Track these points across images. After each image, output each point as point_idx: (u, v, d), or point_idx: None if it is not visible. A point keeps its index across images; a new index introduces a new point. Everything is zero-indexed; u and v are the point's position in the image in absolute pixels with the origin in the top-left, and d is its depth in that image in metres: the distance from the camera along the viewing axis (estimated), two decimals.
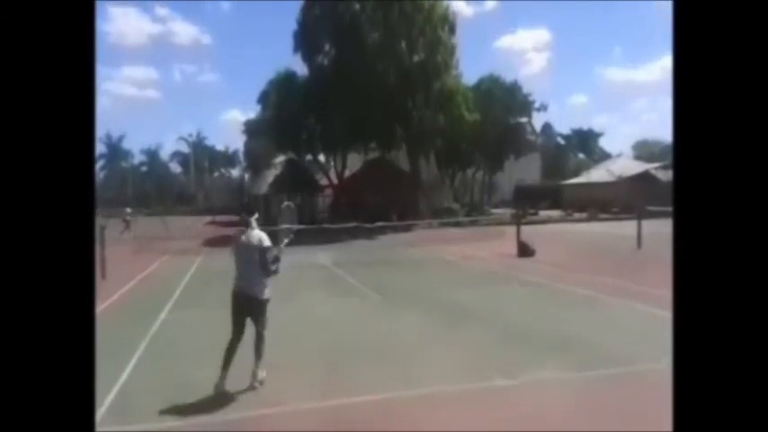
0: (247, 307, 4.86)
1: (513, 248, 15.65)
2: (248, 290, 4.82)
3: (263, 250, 4.81)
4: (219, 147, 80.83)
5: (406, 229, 25.90)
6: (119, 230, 24.54)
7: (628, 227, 18.60)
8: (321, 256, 16.45)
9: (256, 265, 4.78)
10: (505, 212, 35.01)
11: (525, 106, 41.59)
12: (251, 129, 46.27)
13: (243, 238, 4.91)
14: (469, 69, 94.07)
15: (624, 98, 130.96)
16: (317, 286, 11.24)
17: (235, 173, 74.24)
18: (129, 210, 30.09)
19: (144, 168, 76.40)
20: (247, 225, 4.97)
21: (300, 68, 31.40)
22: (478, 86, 38.49)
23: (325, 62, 29.84)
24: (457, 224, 28.12)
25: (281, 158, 39.10)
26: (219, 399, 4.78)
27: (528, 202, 38.55)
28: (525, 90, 41.49)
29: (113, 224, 19.40)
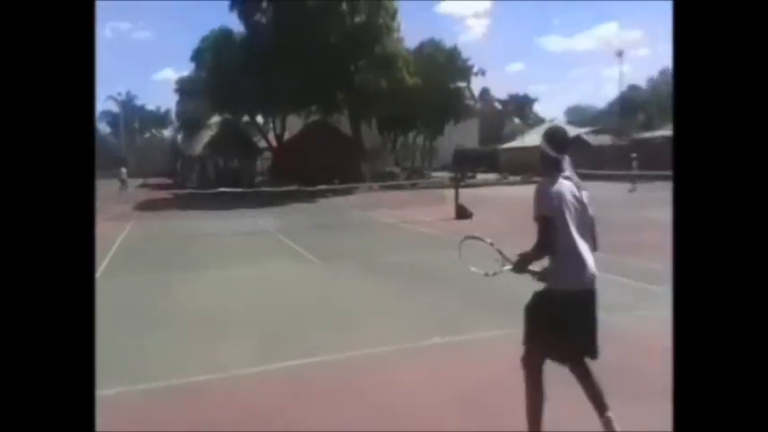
0: (591, 306, 2.96)
1: (451, 212, 15.97)
2: (593, 278, 2.95)
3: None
4: (151, 107, 77.26)
5: (348, 192, 25.85)
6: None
7: None
8: (262, 220, 16.25)
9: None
10: (445, 176, 35.55)
11: (464, 72, 41.85)
12: (184, 88, 44.14)
13: (570, 191, 2.91)
14: (410, 34, 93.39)
15: (562, 67, 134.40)
16: (260, 252, 11.13)
17: (167, 133, 71.08)
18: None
19: None
20: (561, 169, 2.91)
21: (237, 26, 30.20)
22: (419, 51, 38.34)
23: (263, 21, 28.78)
24: (398, 187, 28.31)
25: (216, 119, 37.73)
26: (163, 365, 4.70)
27: (467, 165, 39.25)
28: (464, 56, 41.75)
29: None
